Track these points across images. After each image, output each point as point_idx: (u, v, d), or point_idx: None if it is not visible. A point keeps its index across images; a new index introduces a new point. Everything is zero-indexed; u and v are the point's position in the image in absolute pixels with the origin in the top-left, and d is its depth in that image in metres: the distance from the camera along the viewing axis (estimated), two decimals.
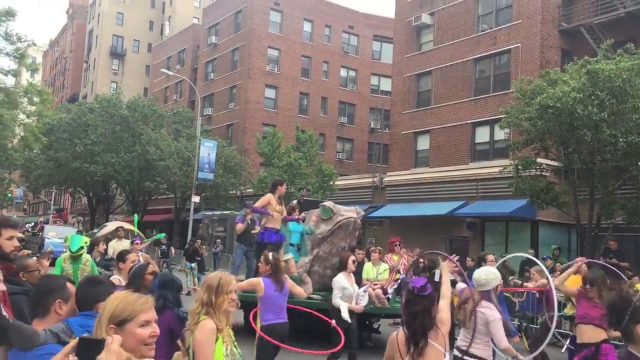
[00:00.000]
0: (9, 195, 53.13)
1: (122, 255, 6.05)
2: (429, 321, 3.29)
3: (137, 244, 10.39)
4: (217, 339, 3.35)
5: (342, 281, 7.67)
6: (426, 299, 3.25)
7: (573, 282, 7.45)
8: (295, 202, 12.03)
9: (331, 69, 43.24)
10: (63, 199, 67.36)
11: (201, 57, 46.44)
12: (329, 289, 10.64)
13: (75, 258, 7.91)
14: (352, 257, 7.91)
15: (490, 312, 4.86)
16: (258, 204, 9.18)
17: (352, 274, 7.93)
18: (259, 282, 5.82)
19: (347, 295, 7.69)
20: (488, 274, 5.06)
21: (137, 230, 14.41)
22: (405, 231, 22.35)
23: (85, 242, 8.79)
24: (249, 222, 11.30)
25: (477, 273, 5.17)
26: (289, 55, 41.20)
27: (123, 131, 36.28)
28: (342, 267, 7.81)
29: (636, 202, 15.36)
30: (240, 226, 11.31)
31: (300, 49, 41.90)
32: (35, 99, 32.14)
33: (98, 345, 1.90)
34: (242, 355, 3.50)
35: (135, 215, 21.88)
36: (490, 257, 8.21)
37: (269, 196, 8.97)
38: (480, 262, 8.09)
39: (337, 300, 7.66)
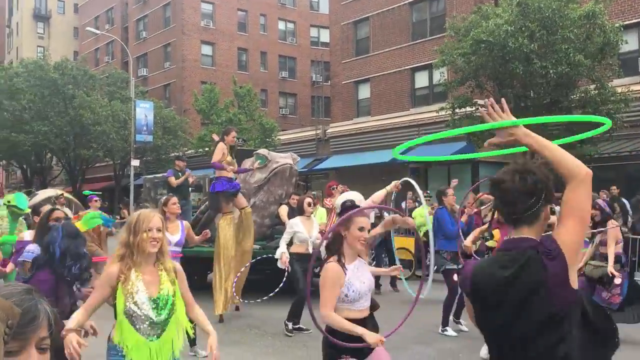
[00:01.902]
0: None
1: (36, 209, 5.60)
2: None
3: (95, 200, 10.29)
4: (118, 283, 3.03)
5: (297, 224, 7.42)
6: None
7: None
8: None
9: (269, 22, 42.04)
10: None
11: (131, 15, 44.20)
12: (268, 238, 10.44)
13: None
14: (307, 200, 7.60)
15: None
16: (215, 158, 8.10)
17: (312, 217, 7.69)
18: None
19: (301, 239, 7.41)
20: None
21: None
22: (350, 181, 22.10)
23: (8, 201, 8.57)
24: (180, 174, 11.07)
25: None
26: (223, 9, 39.68)
27: (52, 95, 34.23)
28: (299, 211, 7.59)
29: (568, 134, 15.67)
30: (173, 179, 10.97)
31: (235, 2, 40.40)
32: None
33: None
34: (163, 308, 3.04)
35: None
36: (450, 190, 8.02)
37: (221, 146, 8.28)
38: (440, 195, 7.98)
39: (280, 242, 7.48)
